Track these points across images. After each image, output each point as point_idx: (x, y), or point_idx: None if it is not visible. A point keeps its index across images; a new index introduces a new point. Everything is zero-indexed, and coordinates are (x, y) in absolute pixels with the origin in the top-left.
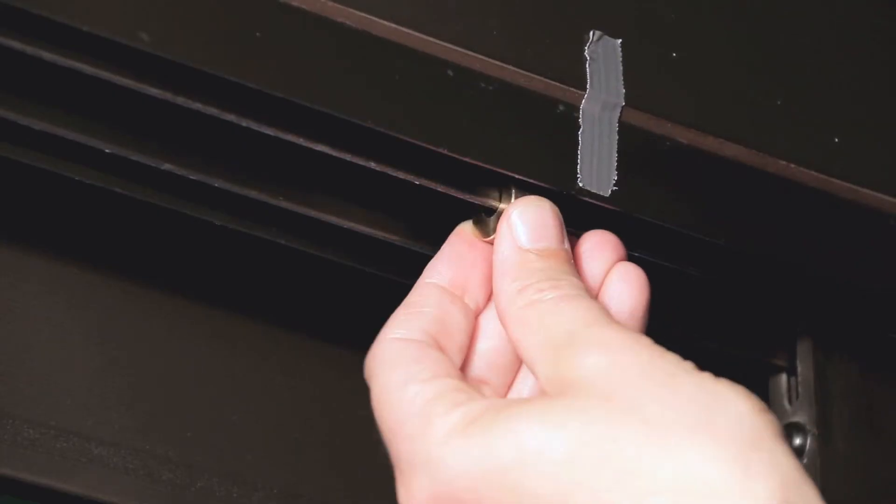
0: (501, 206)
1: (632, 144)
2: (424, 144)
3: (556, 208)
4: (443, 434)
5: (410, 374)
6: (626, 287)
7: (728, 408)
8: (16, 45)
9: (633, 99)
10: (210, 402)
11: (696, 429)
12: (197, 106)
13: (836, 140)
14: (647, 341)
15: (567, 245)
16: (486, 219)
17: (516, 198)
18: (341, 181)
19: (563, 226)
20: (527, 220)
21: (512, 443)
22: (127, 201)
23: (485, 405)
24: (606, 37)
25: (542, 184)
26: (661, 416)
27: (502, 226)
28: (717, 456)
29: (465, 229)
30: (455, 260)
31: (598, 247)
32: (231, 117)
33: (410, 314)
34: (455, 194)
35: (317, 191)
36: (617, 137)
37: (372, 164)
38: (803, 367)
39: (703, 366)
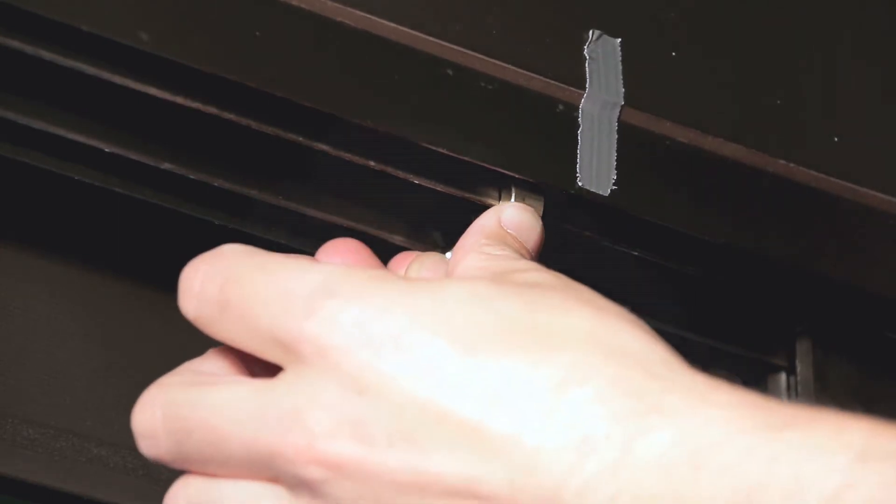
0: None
1: (632, 144)
2: (424, 144)
3: (544, 238)
4: (390, 274)
5: None
6: None
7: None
8: (16, 45)
9: (633, 99)
10: None
11: (636, 325)
12: (197, 106)
13: (836, 140)
14: None
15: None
16: None
17: (516, 198)
18: (341, 181)
19: (540, 250)
20: (520, 215)
21: (465, 286)
22: (127, 201)
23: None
24: (606, 36)
25: (541, 184)
26: (606, 305)
27: (495, 206)
28: (651, 342)
29: None
30: None
31: None
32: (231, 117)
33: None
34: (455, 194)
35: (317, 191)
36: (616, 137)
37: (371, 164)
38: (803, 366)
39: (703, 365)
